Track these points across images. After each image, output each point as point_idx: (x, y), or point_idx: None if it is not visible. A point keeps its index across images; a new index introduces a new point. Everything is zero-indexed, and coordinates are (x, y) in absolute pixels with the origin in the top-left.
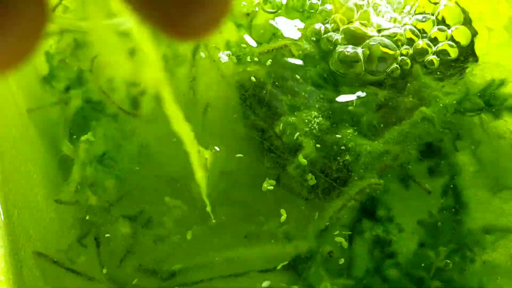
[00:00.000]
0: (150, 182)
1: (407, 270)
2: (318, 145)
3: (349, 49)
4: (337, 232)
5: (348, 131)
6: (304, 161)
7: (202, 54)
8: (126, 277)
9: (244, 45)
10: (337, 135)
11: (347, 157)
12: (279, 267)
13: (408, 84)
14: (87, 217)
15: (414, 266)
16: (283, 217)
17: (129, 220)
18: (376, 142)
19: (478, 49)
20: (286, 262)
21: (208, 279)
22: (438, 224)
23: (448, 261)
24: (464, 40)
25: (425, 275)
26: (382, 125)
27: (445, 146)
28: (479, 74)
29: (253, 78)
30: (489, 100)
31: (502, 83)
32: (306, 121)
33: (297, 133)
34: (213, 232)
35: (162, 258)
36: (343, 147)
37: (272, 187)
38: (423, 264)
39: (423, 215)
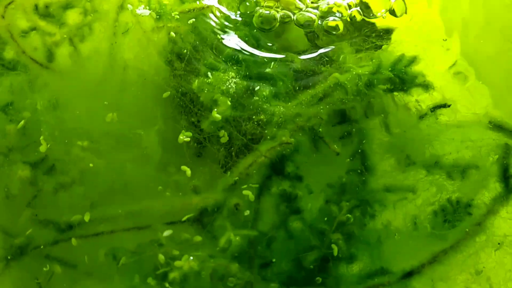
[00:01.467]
0: (60, 134)
1: (311, 223)
2: (232, 103)
3: (268, 11)
4: (245, 186)
5: (264, 92)
6: (217, 117)
7: (130, 6)
8: (19, 227)
9: (166, 2)
10: (254, 96)
11: (262, 117)
12: (184, 218)
13: (325, 55)
14: None
15: (317, 220)
16: (188, 172)
17: (29, 165)
18: (289, 103)
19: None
20: (191, 215)
21: (109, 231)
22: (343, 182)
23: (350, 215)
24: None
25: (327, 228)
26: (297, 88)
27: (355, 113)
28: (393, 51)
29: (172, 34)
30: (400, 76)
31: (413, 60)
32: (224, 80)
33: (214, 92)
34: (119, 184)
35: (61, 209)
36: (258, 107)
37: (188, 139)
38: (326, 218)
39: (331, 177)
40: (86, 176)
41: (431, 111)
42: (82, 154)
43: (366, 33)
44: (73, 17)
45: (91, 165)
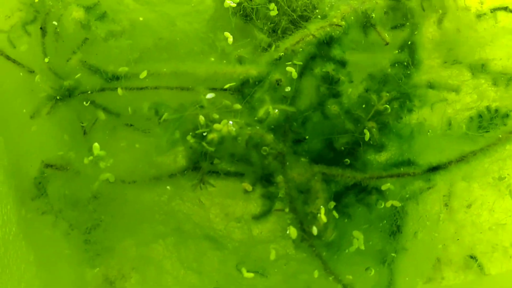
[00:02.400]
0: None
1: (348, 109)
2: None
3: None
4: (289, 63)
5: None
6: None
7: None
8: (69, 70)
9: None
10: None
11: None
12: (226, 86)
13: None
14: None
15: (355, 107)
16: (229, 39)
17: (83, 8)
18: None
19: None
20: (233, 84)
21: (153, 87)
22: (387, 73)
23: (388, 106)
24: None
25: (363, 115)
26: None
27: (412, 5)
28: None
29: None
30: None
31: None
32: None
33: None
34: (166, 41)
35: (109, 59)
36: None
37: (234, 5)
38: (364, 106)
39: (375, 66)
40: (136, 28)
41: (491, 12)
42: (133, 5)
43: None
44: None
45: (141, 18)
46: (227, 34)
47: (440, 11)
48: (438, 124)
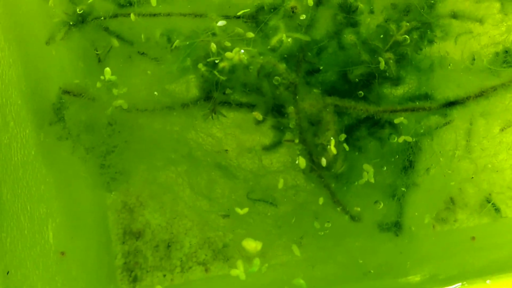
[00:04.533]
0: None
1: (365, 39)
2: None
3: None
4: None
5: None
6: None
7: None
8: None
9: None
10: None
11: None
12: (239, 13)
13: None
14: None
15: (372, 36)
16: None
17: None
18: None
19: None
20: (247, 10)
21: (166, 13)
22: (409, 1)
23: (407, 36)
24: None
25: (380, 45)
26: None
27: None
28: None
29: None
30: None
31: None
32: None
33: None
34: None
35: None
36: None
37: None
38: (382, 36)
39: None
40: None
41: None
42: None
43: None
44: None
45: None
46: None
47: None
48: (460, 58)
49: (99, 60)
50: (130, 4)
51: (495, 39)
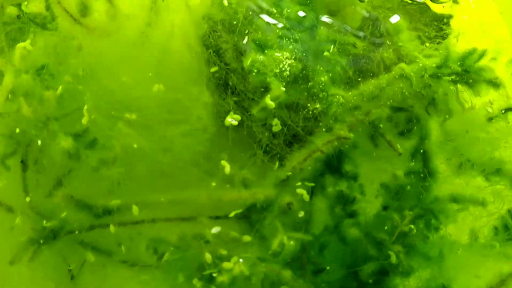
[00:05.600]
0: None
1: (368, 231)
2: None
3: None
4: (299, 184)
5: (322, 78)
6: (271, 104)
7: None
8: (54, 209)
9: None
10: (309, 82)
11: (317, 106)
12: (231, 214)
13: (388, 41)
14: (17, 130)
15: (375, 228)
16: (227, 168)
17: (71, 136)
18: (350, 93)
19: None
20: (240, 210)
21: (150, 220)
22: (405, 187)
23: (413, 226)
24: None
25: (386, 238)
26: (357, 78)
27: (417, 110)
28: (461, 41)
29: (225, 2)
30: (467, 70)
31: (483, 53)
32: (277, 61)
33: (266, 73)
34: (162, 167)
35: (99, 192)
36: (313, 95)
37: (236, 123)
38: (386, 227)
39: (389, 176)
40: (128, 157)
41: (502, 113)
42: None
43: (426, 19)
44: None
45: (135, 145)
46: (223, 162)
47: (447, 116)
48: (463, 239)
49: (72, 277)
50: (109, 213)
51: (491, 211)
